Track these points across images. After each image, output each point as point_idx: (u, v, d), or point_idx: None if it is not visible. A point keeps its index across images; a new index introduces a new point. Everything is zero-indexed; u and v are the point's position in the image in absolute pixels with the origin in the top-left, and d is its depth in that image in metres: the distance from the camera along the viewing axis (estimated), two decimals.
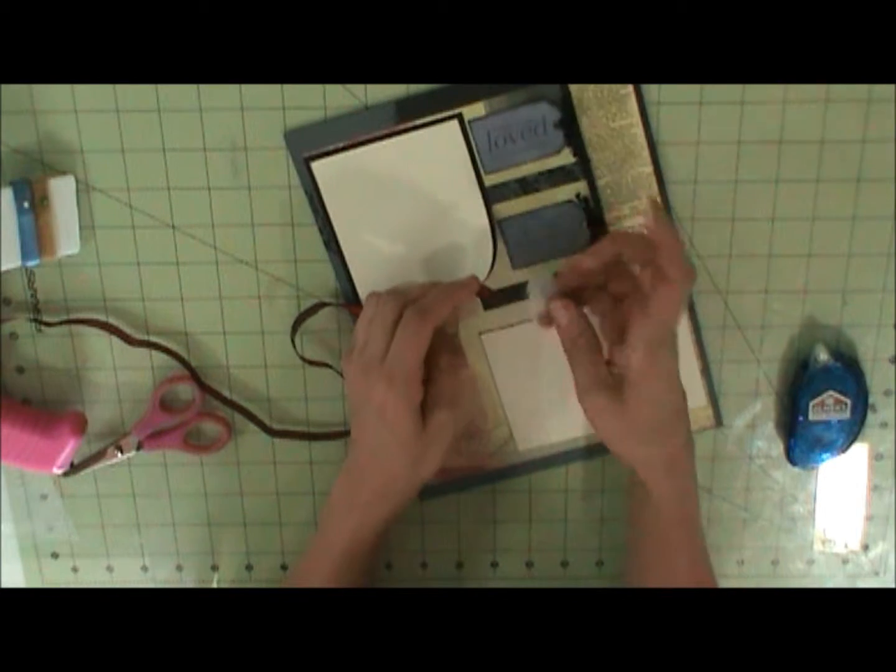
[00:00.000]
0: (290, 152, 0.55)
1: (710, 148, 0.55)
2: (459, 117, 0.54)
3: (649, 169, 0.55)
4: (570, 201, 0.56)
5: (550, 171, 0.55)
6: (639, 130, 0.55)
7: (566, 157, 0.55)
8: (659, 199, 0.56)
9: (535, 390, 0.55)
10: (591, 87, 0.54)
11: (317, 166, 0.55)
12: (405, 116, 0.54)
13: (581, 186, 0.56)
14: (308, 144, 0.55)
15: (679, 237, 0.51)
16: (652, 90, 0.54)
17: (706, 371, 0.60)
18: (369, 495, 0.55)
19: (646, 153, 0.55)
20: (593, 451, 0.61)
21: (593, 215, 0.56)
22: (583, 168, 0.55)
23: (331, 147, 0.55)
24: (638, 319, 0.51)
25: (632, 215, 0.56)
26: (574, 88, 0.54)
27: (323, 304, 0.58)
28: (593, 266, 0.52)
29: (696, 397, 0.60)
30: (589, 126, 0.55)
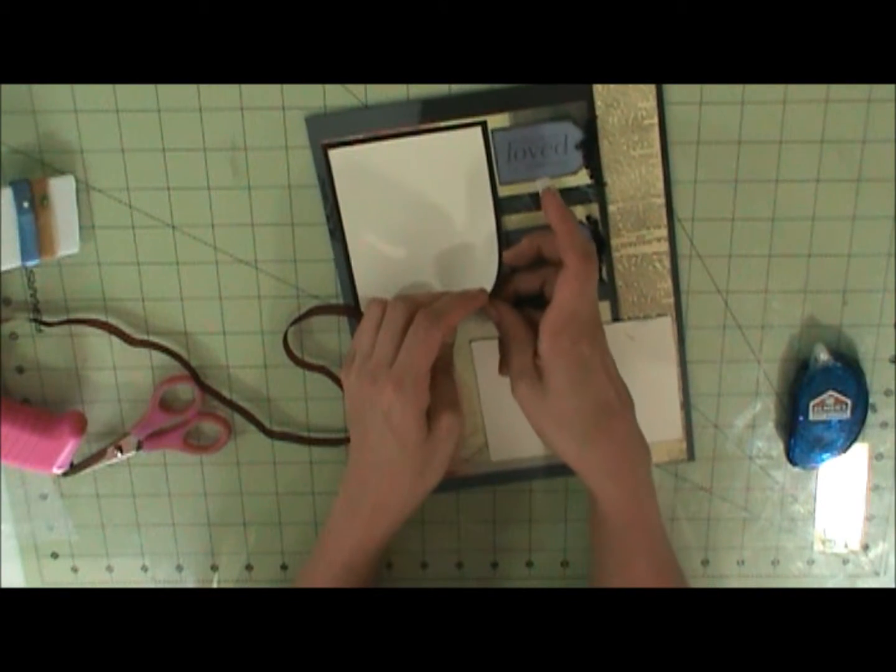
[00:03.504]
0: (308, 137, 0.55)
1: (710, 148, 0.55)
2: (483, 125, 0.54)
3: (661, 201, 0.56)
4: (579, 222, 0.56)
5: (565, 191, 0.55)
6: (657, 162, 0.55)
7: (582, 178, 0.55)
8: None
9: (516, 403, 0.55)
10: (618, 112, 0.54)
11: (334, 154, 0.55)
12: (429, 117, 0.54)
13: (592, 209, 0.56)
14: (328, 132, 0.54)
15: (574, 223, 0.51)
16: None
17: (686, 405, 0.60)
18: (371, 509, 0.54)
19: (660, 185, 0.55)
20: (564, 470, 0.61)
21: (599, 239, 0.56)
22: (597, 191, 0.55)
23: (350, 137, 0.54)
24: (546, 310, 0.52)
25: (637, 244, 0.56)
26: (600, 112, 0.54)
27: (318, 310, 0.58)
28: (512, 262, 0.56)
29: (673, 429, 0.60)
30: (609, 151, 0.55)
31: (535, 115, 0.54)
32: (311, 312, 0.58)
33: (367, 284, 0.57)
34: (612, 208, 0.56)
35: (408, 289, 0.57)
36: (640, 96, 0.54)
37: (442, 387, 0.54)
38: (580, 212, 0.56)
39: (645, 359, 0.58)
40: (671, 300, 0.58)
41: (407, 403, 0.51)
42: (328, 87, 0.54)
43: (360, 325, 0.54)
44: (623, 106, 0.54)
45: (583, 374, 0.52)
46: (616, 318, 0.58)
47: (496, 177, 0.55)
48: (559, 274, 0.51)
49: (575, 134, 0.54)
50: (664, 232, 0.56)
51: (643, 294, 0.58)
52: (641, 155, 0.55)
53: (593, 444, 0.53)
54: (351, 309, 0.58)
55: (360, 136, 0.54)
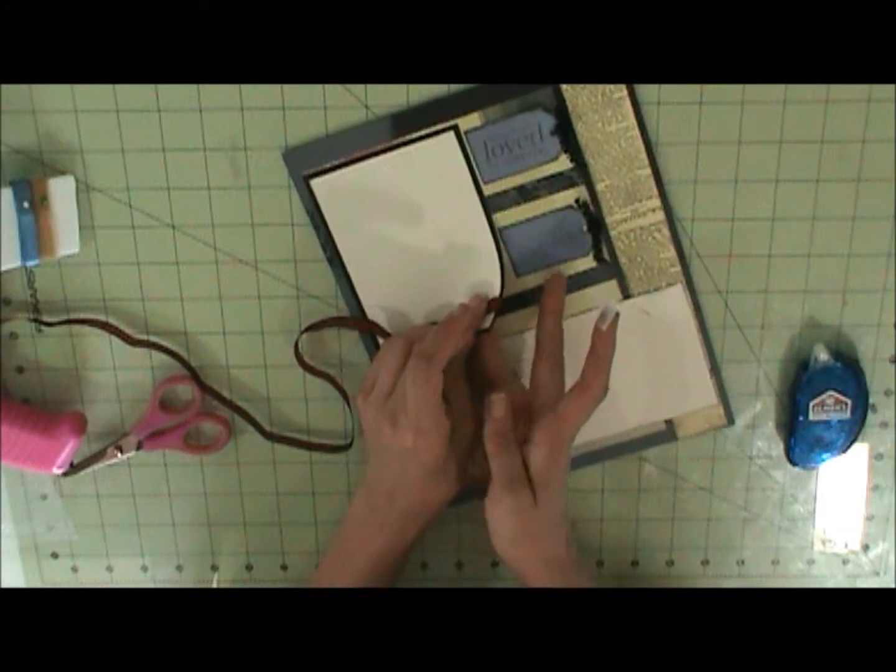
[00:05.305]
0: (288, 171, 0.55)
1: (710, 148, 0.55)
2: (455, 129, 0.54)
3: (648, 171, 0.55)
4: (569, 207, 0.56)
5: (549, 178, 0.55)
6: (635, 133, 0.55)
7: (563, 164, 0.55)
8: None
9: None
10: (585, 92, 0.54)
11: (316, 184, 0.55)
12: (402, 130, 0.54)
13: (580, 192, 0.56)
14: (306, 162, 0.55)
15: (612, 355, 0.52)
16: (651, 90, 0.54)
17: (715, 370, 0.59)
18: (403, 517, 0.54)
19: (643, 156, 0.55)
20: (598, 456, 0.61)
21: (593, 220, 0.56)
22: (581, 173, 0.55)
23: (329, 164, 0.55)
24: (545, 418, 0.52)
25: (632, 218, 0.56)
26: (568, 95, 0.54)
27: (334, 321, 0.58)
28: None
29: (706, 396, 0.60)
30: (585, 131, 0.55)
31: (505, 110, 0.54)
32: (327, 323, 0.58)
33: (374, 306, 0.57)
34: (599, 187, 0.56)
35: (414, 302, 0.57)
36: None
37: (454, 392, 0.54)
38: (568, 196, 0.56)
39: (664, 331, 0.58)
40: (678, 268, 0.57)
41: (430, 441, 0.51)
42: (328, 87, 0.54)
43: (384, 360, 0.54)
44: (589, 85, 0.54)
45: (561, 484, 0.53)
46: (627, 295, 0.58)
47: (479, 177, 0.55)
48: (576, 390, 0.52)
49: (547, 121, 0.54)
50: (657, 202, 0.56)
51: (649, 267, 0.57)
52: (618, 129, 0.55)
53: (552, 543, 0.53)
54: (364, 323, 0.58)
55: (339, 162, 0.55)
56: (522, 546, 0.53)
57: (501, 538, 0.53)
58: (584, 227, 0.57)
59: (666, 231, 0.57)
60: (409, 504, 0.54)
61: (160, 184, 0.56)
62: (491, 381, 0.56)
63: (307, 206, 0.56)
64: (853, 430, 0.60)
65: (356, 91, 0.54)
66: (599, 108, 0.54)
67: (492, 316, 0.57)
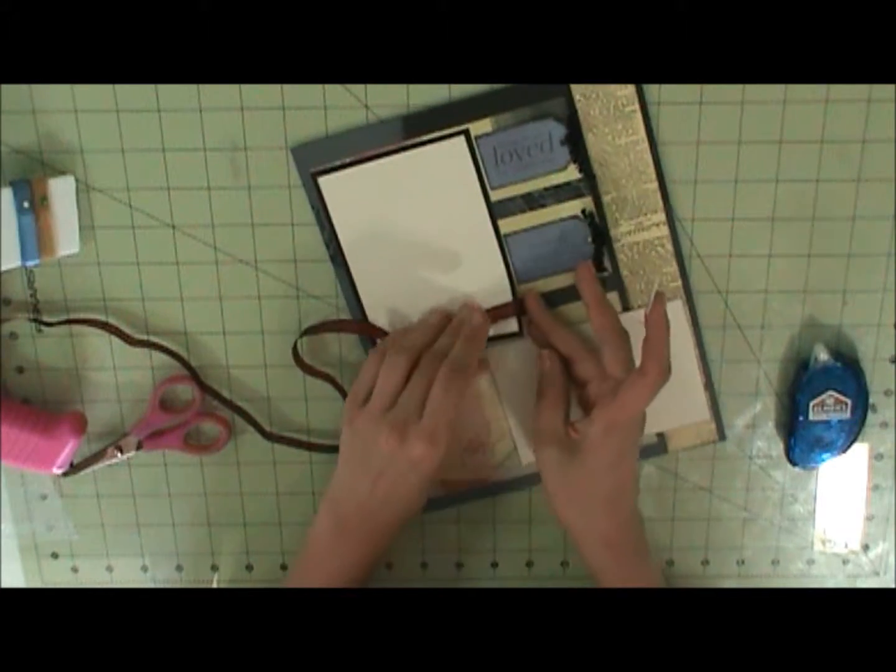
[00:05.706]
0: (297, 167, 0.55)
1: (710, 148, 0.55)
2: (466, 133, 0.54)
3: (654, 185, 0.55)
4: (575, 217, 0.56)
5: (556, 187, 0.55)
6: (645, 147, 0.55)
7: (572, 174, 0.55)
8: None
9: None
10: (598, 104, 0.54)
11: (324, 181, 0.55)
12: (412, 132, 0.54)
13: (586, 202, 0.56)
14: (315, 159, 0.55)
15: (669, 337, 0.51)
16: (652, 90, 0.54)
17: (709, 385, 0.60)
18: (376, 527, 0.55)
19: (651, 170, 0.55)
20: None
21: (598, 231, 0.56)
22: (588, 184, 0.56)
23: (338, 162, 0.55)
24: (604, 400, 0.53)
25: (637, 231, 0.56)
26: (580, 105, 0.54)
27: (333, 325, 0.58)
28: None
29: (699, 411, 0.60)
30: (595, 143, 0.55)
31: (517, 117, 0.54)
32: (327, 326, 0.58)
33: (375, 306, 0.57)
34: (606, 199, 0.56)
35: (416, 304, 0.57)
36: (617, 85, 0.54)
37: None
38: (574, 206, 0.56)
39: None
40: (679, 283, 0.58)
41: (437, 452, 0.51)
42: (328, 87, 0.54)
43: (379, 370, 0.54)
44: (602, 96, 0.54)
45: (617, 462, 0.54)
46: (626, 307, 0.58)
47: (486, 182, 0.55)
48: (633, 376, 0.51)
49: (558, 130, 0.54)
50: (662, 216, 0.56)
51: (650, 281, 0.58)
52: (628, 142, 0.55)
53: (602, 519, 0.55)
54: (365, 327, 0.58)
55: (348, 160, 0.55)
56: (559, 503, 0.55)
57: (544, 490, 0.56)
58: (589, 238, 0.57)
59: (669, 246, 0.57)
60: (391, 514, 0.55)
61: (160, 184, 0.56)
62: (572, 362, 0.57)
63: (313, 203, 0.56)
64: (853, 430, 0.60)
65: (356, 91, 0.54)
66: (610, 121, 0.54)
67: (515, 320, 0.57)
